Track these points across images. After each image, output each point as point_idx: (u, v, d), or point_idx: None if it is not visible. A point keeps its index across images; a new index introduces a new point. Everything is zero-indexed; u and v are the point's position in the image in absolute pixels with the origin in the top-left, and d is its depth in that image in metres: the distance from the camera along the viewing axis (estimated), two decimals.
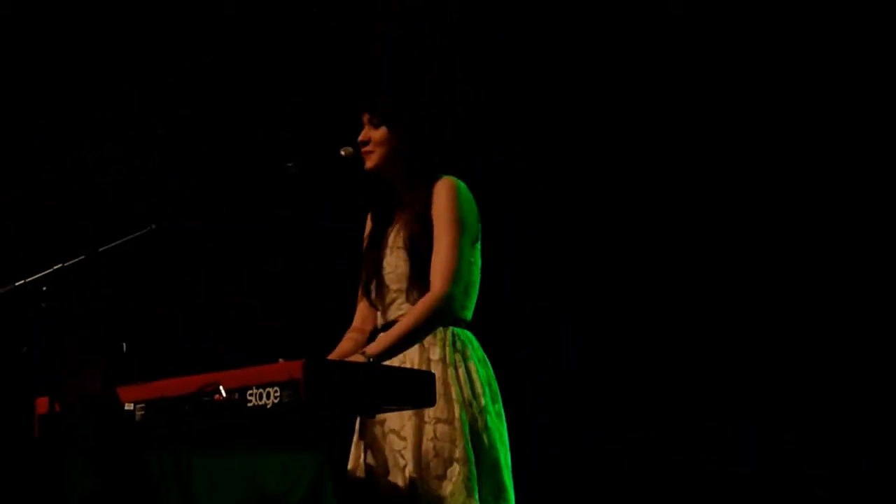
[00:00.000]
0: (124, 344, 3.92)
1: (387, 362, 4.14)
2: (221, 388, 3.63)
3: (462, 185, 4.35)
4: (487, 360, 4.35)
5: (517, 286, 6.18)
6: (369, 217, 4.52)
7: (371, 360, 4.04)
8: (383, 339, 4.16)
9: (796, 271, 5.99)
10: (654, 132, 6.20)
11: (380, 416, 4.21)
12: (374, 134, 4.36)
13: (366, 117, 4.39)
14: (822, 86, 5.89)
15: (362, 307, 4.51)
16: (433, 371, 4.18)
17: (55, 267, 3.85)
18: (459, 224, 4.27)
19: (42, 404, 3.92)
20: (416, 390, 3.81)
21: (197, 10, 6.46)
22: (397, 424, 4.19)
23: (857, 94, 5.85)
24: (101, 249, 3.90)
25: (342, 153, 4.35)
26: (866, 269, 5.87)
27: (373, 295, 4.42)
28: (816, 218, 5.94)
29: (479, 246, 4.39)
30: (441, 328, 4.27)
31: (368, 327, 4.48)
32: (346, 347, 4.44)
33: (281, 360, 3.64)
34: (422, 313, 4.17)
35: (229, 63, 6.47)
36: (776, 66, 5.98)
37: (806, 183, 5.95)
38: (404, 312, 4.29)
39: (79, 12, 6.40)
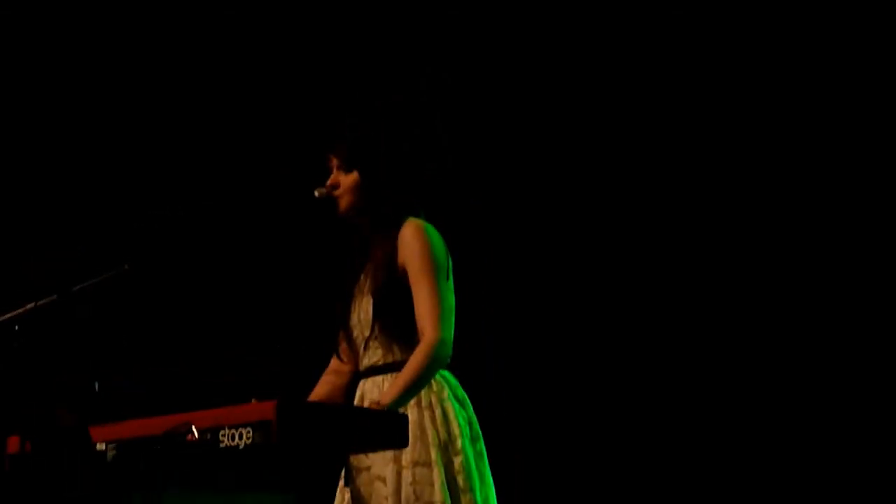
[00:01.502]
0: (96, 383, 3.91)
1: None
2: (194, 428, 3.62)
3: (428, 226, 4.33)
4: (467, 399, 4.35)
5: (499, 325, 6.18)
6: (341, 264, 4.49)
7: (387, 409, 4.06)
8: (393, 389, 4.15)
9: (784, 272, 6.02)
10: (617, 142, 6.23)
11: (365, 462, 4.24)
12: (343, 179, 4.34)
13: (334, 161, 4.37)
14: (822, 86, 5.91)
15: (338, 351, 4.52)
16: (410, 414, 4.20)
17: (28, 306, 3.85)
18: (434, 266, 4.24)
19: (13, 443, 3.88)
20: (388, 432, 3.80)
21: (172, 51, 6.47)
22: (382, 470, 4.20)
23: (857, 94, 5.87)
24: (74, 289, 3.90)
25: (316, 194, 4.33)
26: (858, 269, 5.90)
27: (342, 344, 4.44)
28: (801, 218, 5.98)
29: (451, 284, 4.36)
30: None
31: (345, 370, 4.49)
32: (322, 391, 4.47)
33: (254, 400, 3.63)
34: (420, 361, 4.16)
35: (203, 103, 6.46)
36: (774, 66, 6.01)
37: (786, 183, 5.98)
38: (378, 358, 4.31)
39: (47, 56, 6.42)
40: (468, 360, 4.39)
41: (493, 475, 4.38)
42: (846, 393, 5.87)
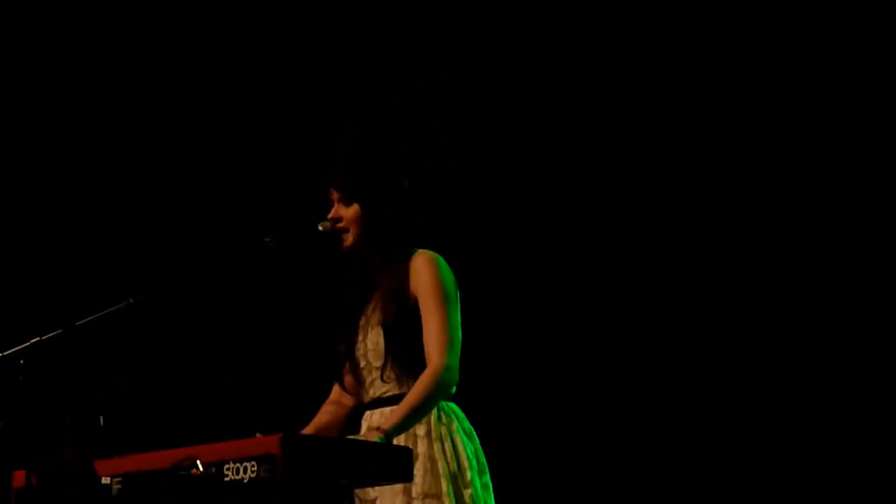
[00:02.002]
0: (101, 417, 3.90)
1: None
2: (198, 462, 3.61)
3: (440, 258, 4.34)
4: (474, 431, 4.35)
5: (500, 325, 6.12)
6: (344, 296, 4.48)
7: (388, 433, 4.06)
8: (396, 414, 4.16)
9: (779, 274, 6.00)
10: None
11: (371, 494, 4.25)
12: (345, 212, 4.33)
13: (335, 194, 4.36)
14: (822, 86, 5.90)
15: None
16: (419, 446, 4.23)
17: (33, 340, 3.82)
18: (446, 298, 4.26)
19: (19, 478, 3.87)
20: (393, 465, 3.80)
21: (172, 50, 6.44)
22: (391, 502, 4.20)
23: (857, 94, 5.86)
24: (78, 323, 3.89)
25: (320, 228, 4.31)
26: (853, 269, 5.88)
27: (346, 375, 4.42)
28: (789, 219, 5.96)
29: (459, 316, 4.36)
30: None
31: (346, 401, 4.49)
32: (322, 420, 4.46)
33: (258, 434, 3.63)
34: (426, 386, 4.17)
35: (206, 135, 6.44)
36: (774, 67, 5.99)
37: (787, 183, 5.95)
38: (388, 389, 4.31)
39: (47, 56, 6.39)
40: (468, 359, 4.38)
41: (494, 474, 4.38)
42: (848, 393, 5.86)
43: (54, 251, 6.14)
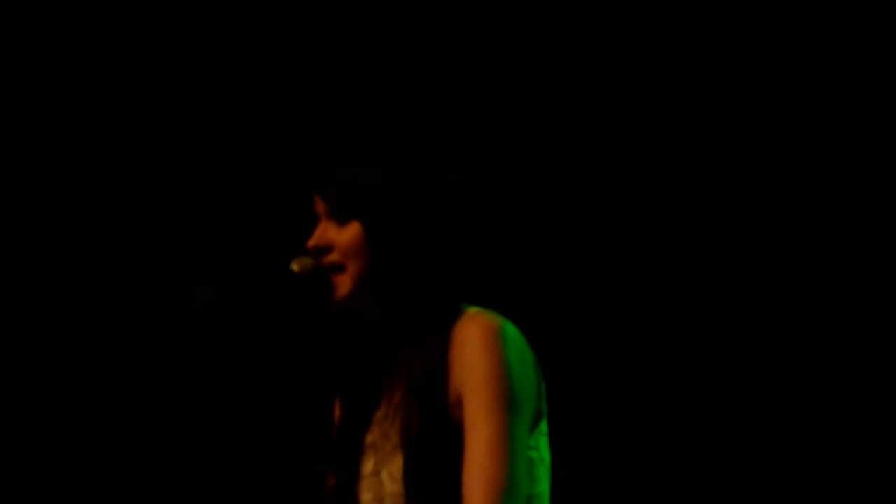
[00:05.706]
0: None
1: None
2: None
3: (508, 326, 2.48)
4: None
5: None
6: (335, 391, 2.66)
7: None
8: None
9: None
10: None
11: None
12: (338, 236, 2.49)
13: (322, 205, 2.51)
14: (822, 86, 5.69)
15: None
16: None
17: None
18: (509, 401, 2.42)
19: None
20: None
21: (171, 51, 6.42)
22: None
23: (857, 94, 5.66)
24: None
25: (294, 269, 2.49)
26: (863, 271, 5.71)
27: None
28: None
29: (543, 427, 2.56)
30: None
31: None
32: None
33: None
34: None
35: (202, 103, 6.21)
36: (774, 67, 5.80)
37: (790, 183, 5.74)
38: None
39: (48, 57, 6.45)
40: None
41: None
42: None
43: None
